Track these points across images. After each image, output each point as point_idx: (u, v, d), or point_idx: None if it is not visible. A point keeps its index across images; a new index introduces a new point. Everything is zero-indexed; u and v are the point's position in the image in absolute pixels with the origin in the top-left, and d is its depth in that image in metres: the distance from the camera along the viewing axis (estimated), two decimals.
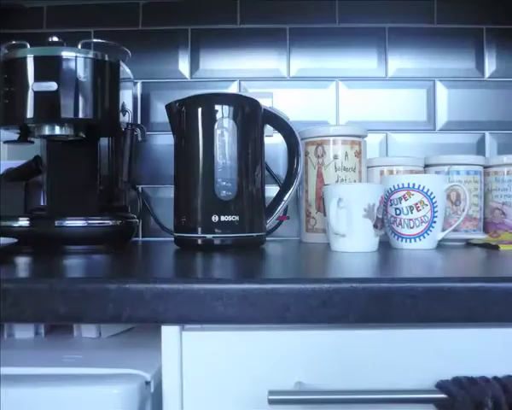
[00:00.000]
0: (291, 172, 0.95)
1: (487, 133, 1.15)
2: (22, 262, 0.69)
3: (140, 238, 1.13)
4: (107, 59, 0.85)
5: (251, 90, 1.15)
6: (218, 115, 0.86)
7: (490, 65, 1.15)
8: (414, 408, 0.51)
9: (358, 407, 0.52)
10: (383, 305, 0.49)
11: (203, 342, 0.53)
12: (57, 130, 0.82)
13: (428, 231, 0.83)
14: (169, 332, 0.53)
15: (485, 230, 1.02)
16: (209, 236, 0.83)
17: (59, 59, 0.80)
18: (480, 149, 1.15)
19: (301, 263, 0.70)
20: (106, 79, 0.85)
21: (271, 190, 1.01)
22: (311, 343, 0.52)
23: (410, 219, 0.84)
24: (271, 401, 0.50)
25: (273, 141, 1.13)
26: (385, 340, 0.52)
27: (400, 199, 0.84)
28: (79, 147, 0.89)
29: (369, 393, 0.51)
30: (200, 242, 0.83)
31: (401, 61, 1.15)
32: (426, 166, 1.03)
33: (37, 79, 0.80)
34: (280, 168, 1.14)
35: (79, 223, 0.82)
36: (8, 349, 0.61)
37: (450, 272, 0.58)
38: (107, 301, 0.49)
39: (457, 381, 0.50)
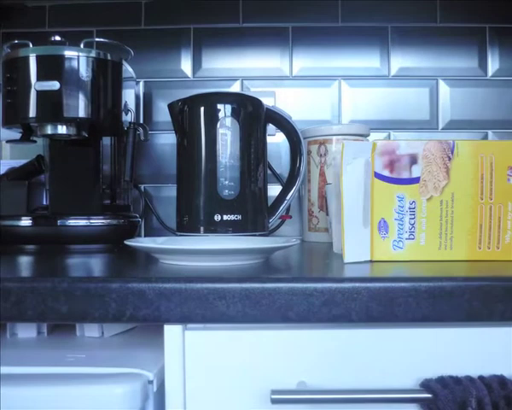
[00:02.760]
0: (293, 172, 0.95)
1: (490, 132, 1.15)
2: (25, 261, 0.69)
3: (143, 237, 1.13)
4: (109, 58, 0.85)
5: (253, 89, 1.15)
6: (221, 114, 0.86)
7: (493, 64, 1.15)
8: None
9: (361, 406, 0.51)
10: (386, 304, 0.49)
11: (206, 342, 0.53)
12: (59, 129, 0.82)
13: None
14: (171, 331, 0.53)
15: None
16: (211, 235, 0.83)
17: (61, 58, 0.80)
18: None
19: (304, 262, 0.69)
20: (108, 78, 0.85)
21: (274, 190, 1.01)
22: (314, 343, 0.52)
23: None
24: (274, 401, 0.50)
25: (275, 140, 1.13)
26: (387, 339, 0.52)
27: None
28: (82, 146, 0.89)
29: (361, 392, 0.51)
30: None
31: (404, 60, 1.15)
32: None
33: (40, 78, 0.80)
34: (282, 167, 1.14)
35: (82, 222, 0.82)
36: (11, 349, 0.61)
37: (455, 271, 0.58)
38: (110, 301, 0.49)
39: (441, 380, 0.50)
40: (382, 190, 0.63)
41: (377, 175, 0.63)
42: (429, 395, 0.49)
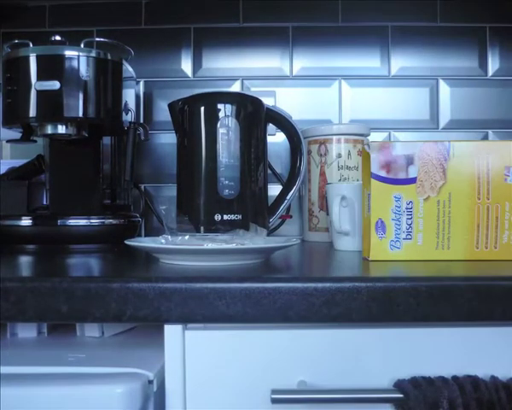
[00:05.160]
0: (294, 171, 0.95)
1: (490, 132, 1.15)
2: (25, 261, 0.69)
3: (143, 237, 1.13)
4: (109, 58, 0.85)
5: (253, 89, 1.15)
6: (221, 114, 0.86)
7: (493, 63, 1.15)
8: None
9: (361, 406, 0.51)
10: (386, 304, 0.49)
11: (206, 341, 0.53)
12: (60, 129, 0.82)
13: None
14: (172, 331, 0.53)
15: None
16: (212, 235, 0.83)
17: (61, 58, 0.80)
18: None
19: (304, 262, 0.69)
20: (108, 77, 0.85)
21: (274, 189, 1.01)
22: (314, 342, 0.52)
23: None
24: (274, 401, 0.50)
25: (276, 140, 1.13)
26: (388, 339, 0.52)
27: None
28: (82, 146, 0.89)
29: (360, 392, 0.51)
30: None
31: (404, 60, 1.15)
32: None
33: (40, 77, 0.80)
34: (283, 167, 1.14)
35: (82, 222, 0.82)
36: (11, 348, 0.61)
37: (453, 270, 0.58)
38: (110, 301, 0.49)
39: (414, 380, 0.50)
40: (379, 191, 0.63)
41: (374, 175, 0.63)
42: (401, 396, 0.49)
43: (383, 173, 0.63)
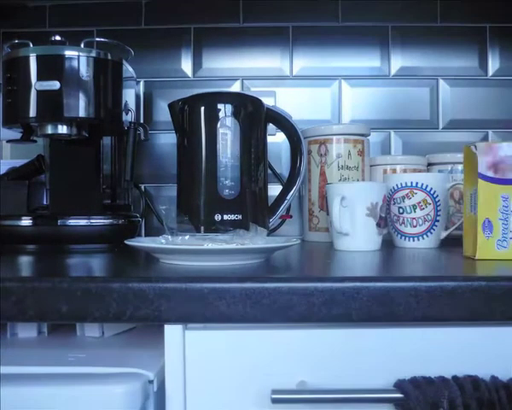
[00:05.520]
0: (294, 171, 0.95)
1: (490, 132, 1.15)
2: (25, 261, 0.69)
3: (143, 237, 1.13)
4: (109, 58, 0.85)
5: (253, 89, 1.15)
6: (221, 114, 0.86)
7: (493, 63, 1.15)
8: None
9: (360, 406, 0.52)
10: (386, 304, 0.49)
11: (206, 342, 0.53)
12: (60, 129, 0.82)
13: (431, 230, 0.83)
14: (172, 331, 0.53)
15: None
16: (212, 235, 0.83)
17: (61, 58, 0.80)
18: None
19: (304, 262, 0.69)
20: (108, 77, 0.85)
21: (274, 189, 1.01)
22: (314, 342, 0.52)
23: (413, 218, 0.83)
24: (275, 401, 0.50)
25: (276, 140, 1.13)
26: (388, 339, 0.52)
27: (403, 198, 0.84)
28: (82, 146, 0.89)
29: (360, 392, 0.51)
30: None
31: (404, 60, 1.15)
32: (429, 164, 1.03)
33: (40, 77, 0.80)
34: (283, 167, 1.14)
35: (82, 222, 0.82)
36: (11, 348, 0.61)
37: (453, 270, 0.58)
38: (110, 300, 0.49)
39: (414, 380, 0.50)
40: (487, 191, 0.65)
41: (481, 176, 0.65)
42: (401, 396, 0.49)
43: (490, 174, 0.65)
